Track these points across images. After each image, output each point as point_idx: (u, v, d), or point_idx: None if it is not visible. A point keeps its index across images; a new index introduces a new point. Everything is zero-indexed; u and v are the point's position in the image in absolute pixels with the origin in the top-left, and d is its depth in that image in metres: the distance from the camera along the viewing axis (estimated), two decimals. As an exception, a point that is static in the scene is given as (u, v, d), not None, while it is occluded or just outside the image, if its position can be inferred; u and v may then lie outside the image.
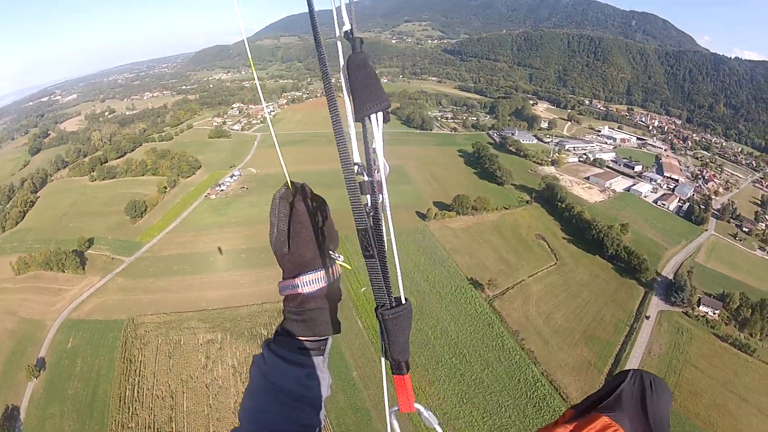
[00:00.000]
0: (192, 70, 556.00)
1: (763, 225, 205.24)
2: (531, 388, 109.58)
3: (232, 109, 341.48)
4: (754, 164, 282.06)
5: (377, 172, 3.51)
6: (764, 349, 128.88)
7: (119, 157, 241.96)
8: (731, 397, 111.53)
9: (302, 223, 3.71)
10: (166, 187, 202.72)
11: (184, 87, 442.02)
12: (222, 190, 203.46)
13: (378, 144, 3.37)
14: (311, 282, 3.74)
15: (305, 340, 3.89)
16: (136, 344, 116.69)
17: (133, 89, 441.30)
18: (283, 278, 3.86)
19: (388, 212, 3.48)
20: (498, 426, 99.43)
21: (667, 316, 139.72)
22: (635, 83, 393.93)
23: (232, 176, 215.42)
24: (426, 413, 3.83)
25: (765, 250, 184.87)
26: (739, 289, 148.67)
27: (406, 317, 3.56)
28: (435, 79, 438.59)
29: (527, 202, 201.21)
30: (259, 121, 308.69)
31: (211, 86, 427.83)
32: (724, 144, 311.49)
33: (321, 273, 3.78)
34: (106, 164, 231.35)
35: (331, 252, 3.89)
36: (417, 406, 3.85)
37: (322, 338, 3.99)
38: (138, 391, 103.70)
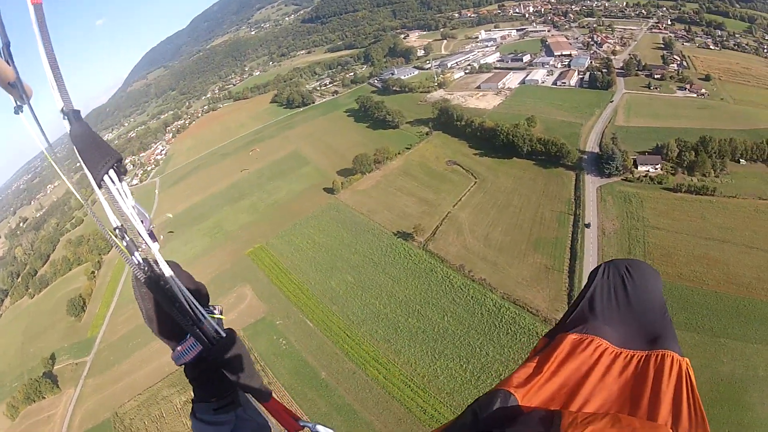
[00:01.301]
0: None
1: (674, 66, 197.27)
2: (496, 317, 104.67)
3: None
4: (645, 12, 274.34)
5: (144, 223, 3.56)
6: (725, 184, 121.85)
7: (45, 263, 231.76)
8: (709, 243, 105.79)
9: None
10: (93, 272, 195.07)
11: (77, 164, 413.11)
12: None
13: (122, 199, 3.48)
14: (185, 352, 3.74)
15: (216, 401, 3.87)
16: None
17: (36, 188, 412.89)
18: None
19: (162, 261, 3.55)
20: (479, 368, 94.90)
21: (607, 189, 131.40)
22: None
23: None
24: (315, 428, 3.90)
25: (685, 89, 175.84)
26: (672, 135, 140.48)
27: (233, 348, 3.71)
28: (304, 51, 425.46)
29: (426, 134, 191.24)
30: (152, 165, 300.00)
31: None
32: (607, 5, 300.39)
33: (191, 340, 3.71)
34: (37, 276, 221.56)
35: (202, 310, 3.78)
36: (303, 423, 3.95)
37: (230, 394, 3.93)
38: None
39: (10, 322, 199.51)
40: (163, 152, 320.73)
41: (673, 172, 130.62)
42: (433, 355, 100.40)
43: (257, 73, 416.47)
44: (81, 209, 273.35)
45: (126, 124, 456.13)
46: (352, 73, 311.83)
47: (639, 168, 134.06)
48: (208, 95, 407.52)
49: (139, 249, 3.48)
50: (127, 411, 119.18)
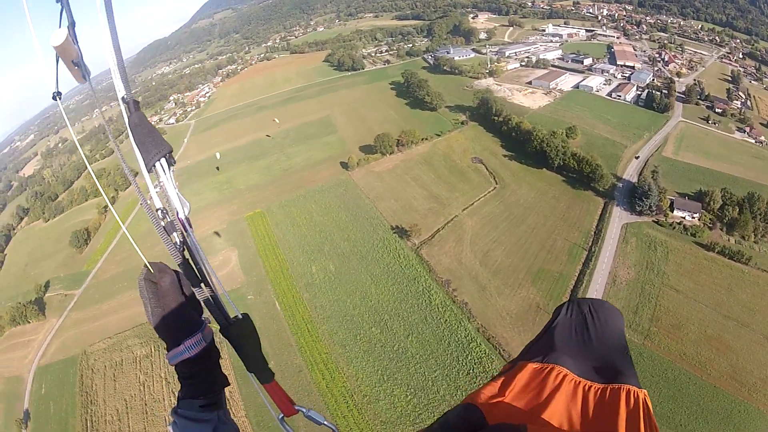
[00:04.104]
0: (137, 72, 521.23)
1: (738, 103, 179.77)
2: (463, 351, 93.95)
3: (168, 102, 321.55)
4: (718, 40, 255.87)
5: (185, 209, 4.10)
6: (762, 254, 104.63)
7: (67, 189, 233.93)
8: (726, 324, 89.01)
9: (169, 296, 3.94)
10: (105, 207, 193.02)
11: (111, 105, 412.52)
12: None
13: (169, 187, 3.99)
14: (194, 345, 4.01)
15: (203, 399, 4.16)
16: (88, 374, 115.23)
17: (84, 111, 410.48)
18: (168, 350, 4.09)
19: (197, 244, 4.01)
20: (424, 404, 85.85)
21: (634, 229, 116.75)
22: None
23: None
24: (309, 413, 4.32)
25: (744, 131, 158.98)
26: (720, 181, 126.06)
27: (246, 330, 4.19)
28: (371, 15, 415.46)
29: (462, 123, 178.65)
30: (193, 107, 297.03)
31: (153, 83, 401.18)
32: (682, 23, 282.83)
33: (199, 336, 4.06)
34: (55, 201, 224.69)
35: (225, 291, 4.28)
36: (298, 408, 4.39)
37: (217, 393, 4.30)
38: (94, 421, 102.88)
39: (21, 242, 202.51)
40: (207, 95, 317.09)
41: (711, 225, 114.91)
42: (382, 375, 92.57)
43: (321, 29, 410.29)
44: (115, 138, 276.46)
45: (184, 60, 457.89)
46: (410, 45, 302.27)
47: (675, 212, 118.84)
48: (269, 43, 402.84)
49: (177, 231, 3.92)
50: (95, 351, 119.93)
